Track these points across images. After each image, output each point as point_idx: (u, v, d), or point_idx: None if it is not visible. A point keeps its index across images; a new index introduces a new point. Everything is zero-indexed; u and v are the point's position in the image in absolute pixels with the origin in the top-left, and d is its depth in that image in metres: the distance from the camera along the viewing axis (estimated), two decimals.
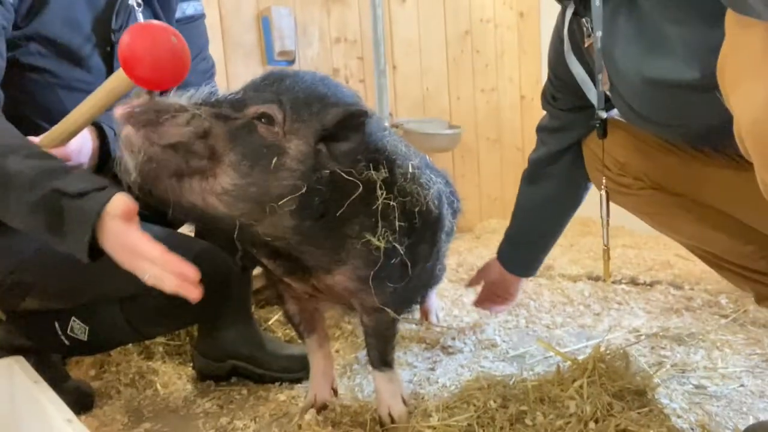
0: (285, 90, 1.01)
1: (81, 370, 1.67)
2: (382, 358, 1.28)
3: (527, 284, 2.30)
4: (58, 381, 1.34)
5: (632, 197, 1.37)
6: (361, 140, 1.04)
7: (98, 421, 1.40)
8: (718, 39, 0.75)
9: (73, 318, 1.35)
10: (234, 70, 2.77)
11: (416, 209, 1.15)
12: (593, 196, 1.45)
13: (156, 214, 1.17)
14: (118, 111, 0.91)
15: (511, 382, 1.34)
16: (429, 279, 1.43)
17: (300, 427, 1.29)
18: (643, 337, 1.70)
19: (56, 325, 1.36)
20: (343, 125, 1.01)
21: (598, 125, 1.29)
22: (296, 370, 1.54)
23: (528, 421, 1.19)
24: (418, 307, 1.86)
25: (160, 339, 1.76)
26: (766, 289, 1.30)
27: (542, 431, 1.16)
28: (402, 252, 1.12)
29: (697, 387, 1.38)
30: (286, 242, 1.06)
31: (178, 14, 1.52)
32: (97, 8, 1.34)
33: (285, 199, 0.98)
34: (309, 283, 1.19)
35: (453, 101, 3.54)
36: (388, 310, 1.18)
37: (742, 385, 1.39)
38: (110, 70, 1.35)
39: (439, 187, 1.27)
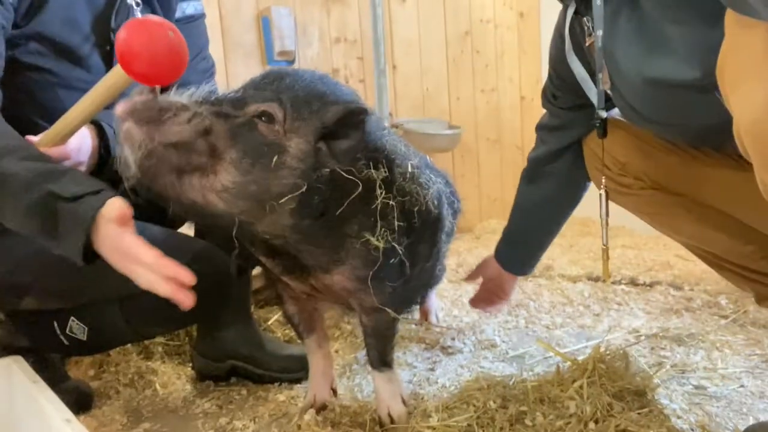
0: (285, 88, 1.01)
1: (80, 370, 1.67)
2: (381, 359, 1.28)
3: (527, 284, 2.31)
4: (56, 381, 1.34)
5: (632, 197, 1.37)
6: (361, 138, 1.04)
7: (97, 421, 1.40)
8: (718, 39, 0.75)
9: (72, 318, 1.35)
10: (234, 70, 2.77)
11: (415, 209, 1.15)
12: (594, 196, 1.45)
13: (156, 214, 1.17)
14: (119, 107, 0.91)
15: (510, 383, 1.33)
16: (429, 279, 1.43)
17: (299, 427, 1.28)
18: (642, 337, 1.70)
19: (55, 324, 1.36)
20: (343, 123, 1.01)
21: (598, 124, 1.29)
22: (296, 371, 1.54)
23: (528, 422, 1.19)
24: (417, 307, 1.86)
25: (160, 339, 1.76)
26: (766, 289, 1.30)
27: (542, 431, 1.16)
28: (401, 252, 1.12)
29: (696, 387, 1.38)
30: (285, 241, 1.06)
31: (177, 14, 1.52)
32: (97, 8, 1.34)
33: (285, 198, 0.98)
34: (307, 283, 1.19)
35: (453, 101, 3.54)
36: (388, 310, 1.18)
37: (742, 386, 1.38)
38: (110, 70, 1.35)
39: (439, 187, 1.27)
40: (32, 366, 1.22)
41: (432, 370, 1.60)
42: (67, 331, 1.36)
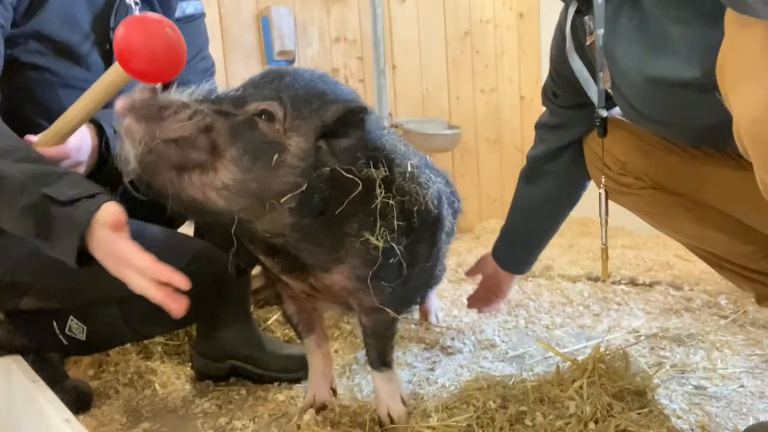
0: (285, 87, 1.01)
1: (79, 369, 1.67)
2: (381, 359, 1.28)
3: (527, 284, 2.31)
4: (56, 380, 1.34)
5: (633, 197, 1.37)
6: (361, 137, 1.04)
7: (96, 420, 1.40)
8: (719, 38, 0.75)
9: (71, 317, 1.35)
10: (234, 69, 2.77)
11: (415, 208, 1.15)
12: (593, 196, 1.45)
13: (156, 213, 1.17)
14: (119, 103, 0.91)
15: (510, 383, 1.33)
16: (429, 279, 1.42)
17: (299, 427, 1.28)
18: (642, 337, 1.70)
19: (54, 324, 1.35)
20: (343, 122, 1.01)
21: (598, 123, 1.29)
22: (295, 370, 1.54)
23: (528, 422, 1.18)
24: (417, 307, 1.86)
25: (159, 339, 1.76)
26: (766, 289, 1.30)
27: (542, 431, 1.15)
28: (400, 251, 1.11)
29: (696, 388, 1.38)
30: (284, 239, 1.06)
31: (177, 13, 1.52)
32: (96, 7, 1.34)
33: (286, 197, 0.97)
34: (307, 282, 1.19)
35: (452, 101, 3.54)
36: (388, 311, 1.18)
37: (741, 386, 1.38)
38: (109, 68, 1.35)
39: (439, 187, 1.26)
40: (31, 365, 1.22)
41: (432, 370, 1.60)
42: (66, 331, 1.35)
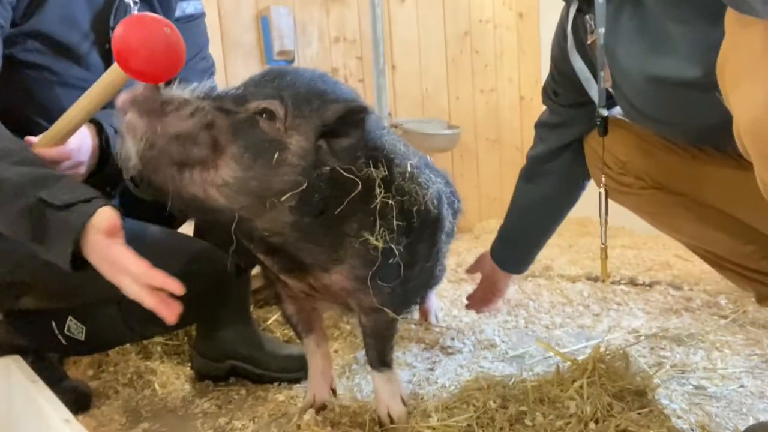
0: (286, 86, 1.01)
1: (79, 369, 1.67)
2: (380, 359, 1.27)
3: (526, 284, 2.31)
4: (55, 381, 1.34)
5: (633, 196, 1.37)
6: (361, 136, 1.04)
7: (96, 421, 1.40)
8: (719, 37, 0.75)
9: (70, 317, 1.34)
10: (233, 70, 2.76)
11: (414, 209, 1.15)
12: (593, 196, 1.45)
13: (156, 213, 1.17)
14: (121, 98, 0.91)
15: (510, 383, 1.33)
16: (428, 279, 1.42)
17: (299, 427, 1.28)
18: (642, 337, 1.70)
19: (53, 324, 1.35)
20: (344, 121, 1.01)
21: (599, 123, 1.29)
22: (295, 370, 1.54)
23: (528, 422, 1.18)
24: (417, 307, 1.86)
25: (159, 339, 1.76)
26: (767, 288, 1.30)
27: (542, 431, 1.15)
28: (399, 252, 1.11)
29: (696, 388, 1.38)
30: (283, 238, 1.06)
31: (177, 13, 1.51)
32: (96, 6, 1.34)
33: (286, 195, 0.97)
34: (306, 282, 1.18)
35: (452, 101, 3.54)
36: (387, 311, 1.17)
37: (741, 386, 1.38)
38: (108, 68, 1.35)
39: (439, 187, 1.26)
40: (31, 366, 1.22)
41: (432, 370, 1.59)
42: (65, 331, 1.35)
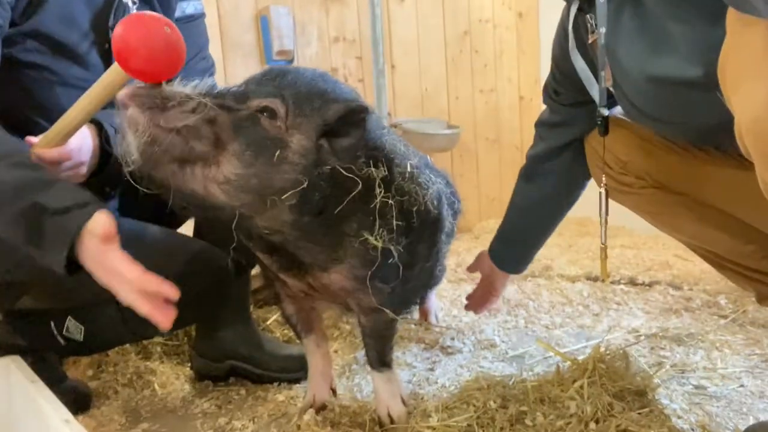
0: (287, 85, 1.01)
1: (78, 370, 1.67)
2: (380, 359, 1.27)
3: (526, 284, 2.31)
4: (55, 381, 1.33)
5: (634, 196, 1.37)
6: (361, 136, 1.04)
7: (96, 421, 1.39)
8: (720, 37, 0.75)
9: (69, 318, 1.34)
10: (233, 70, 2.76)
11: (414, 209, 1.14)
12: (592, 196, 1.45)
13: (156, 213, 1.16)
14: (122, 93, 0.91)
15: (510, 383, 1.33)
16: (428, 279, 1.42)
17: (299, 427, 1.28)
18: (642, 337, 1.70)
19: (52, 324, 1.35)
20: (345, 121, 1.01)
21: (599, 122, 1.29)
22: (295, 371, 1.54)
23: (528, 422, 1.18)
24: (417, 307, 1.86)
25: (158, 339, 1.76)
26: (767, 288, 1.30)
27: (542, 431, 1.15)
28: (399, 252, 1.11)
29: (696, 387, 1.38)
30: (283, 237, 1.06)
31: (177, 13, 1.51)
32: (95, 6, 1.34)
33: (287, 193, 0.97)
34: (305, 281, 1.18)
35: (452, 101, 3.54)
36: (387, 311, 1.17)
37: (741, 386, 1.38)
38: (108, 68, 1.35)
39: (439, 188, 1.26)
40: (30, 366, 1.22)
41: (431, 370, 1.59)
42: (64, 331, 1.35)
